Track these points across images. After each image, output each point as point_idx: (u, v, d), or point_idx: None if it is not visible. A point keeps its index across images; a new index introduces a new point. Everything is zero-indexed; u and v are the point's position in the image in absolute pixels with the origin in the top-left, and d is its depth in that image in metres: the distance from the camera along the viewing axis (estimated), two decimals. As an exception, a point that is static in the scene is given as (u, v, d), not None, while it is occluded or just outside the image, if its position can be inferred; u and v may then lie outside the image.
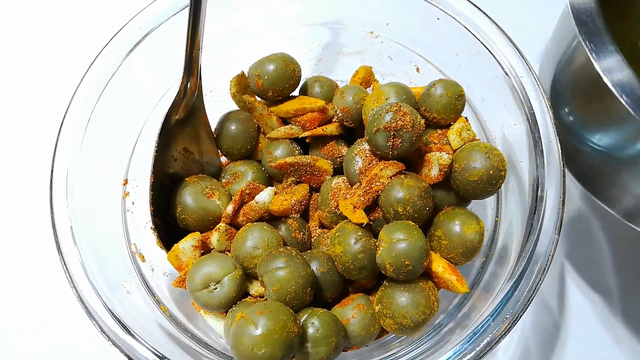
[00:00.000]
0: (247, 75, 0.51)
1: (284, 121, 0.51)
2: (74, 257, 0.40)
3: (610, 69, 0.35)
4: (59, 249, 0.40)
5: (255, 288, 0.43)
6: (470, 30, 0.47)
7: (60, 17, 0.71)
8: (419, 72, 0.53)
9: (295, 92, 0.52)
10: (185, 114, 0.47)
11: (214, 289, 0.41)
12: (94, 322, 0.39)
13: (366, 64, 0.53)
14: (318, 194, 0.47)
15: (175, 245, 0.44)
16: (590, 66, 0.36)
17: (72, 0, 0.71)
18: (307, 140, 0.50)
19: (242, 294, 0.42)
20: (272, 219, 0.47)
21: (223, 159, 0.52)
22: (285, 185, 0.48)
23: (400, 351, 0.42)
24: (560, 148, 0.41)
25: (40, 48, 0.69)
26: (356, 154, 0.44)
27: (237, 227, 0.46)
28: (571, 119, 0.43)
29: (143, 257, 0.46)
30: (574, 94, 0.43)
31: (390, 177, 0.42)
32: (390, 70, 0.55)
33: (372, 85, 0.53)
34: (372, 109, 0.45)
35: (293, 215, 0.46)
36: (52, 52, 0.68)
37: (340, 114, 0.48)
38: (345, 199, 0.43)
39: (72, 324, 0.54)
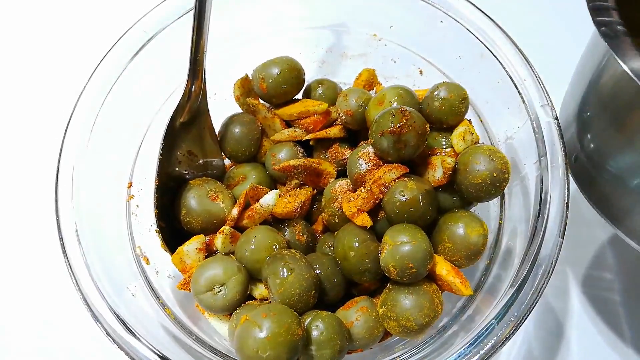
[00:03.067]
0: (251, 78, 0.51)
1: (288, 124, 0.51)
2: (79, 259, 0.41)
3: None
4: (64, 251, 0.41)
5: (259, 291, 0.43)
6: (473, 33, 0.47)
7: (67, 20, 0.71)
8: (423, 75, 0.53)
9: (299, 95, 0.52)
10: (189, 117, 0.47)
11: (218, 292, 0.41)
12: (98, 324, 0.39)
13: (369, 66, 0.53)
14: (322, 196, 0.47)
15: (180, 247, 0.44)
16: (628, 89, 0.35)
17: (78, 4, 0.72)
18: (310, 143, 0.50)
19: (246, 296, 0.43)
20: (275, 221, 0.47)
21: (227, 162, 0.52)
22: (289, 188, 0.48)
23: (404, 354, 0.42)
24: (564, 151, 0.41)
25: (46, 51, 0.69)
26: (360, 157, 0.44)
27: (241, 229, 0.46)
28: (595, 146, 0.42)
29: (147, 259, 0.46)
30: (603, 119, 0.42)
31: (394, 180, 0.42)
32: (394, 73, 0.55)
33: (375, 88, 0.54)
34: (376, 112, 0.45)
35: (297, 218, 0.46)
36: (58, 56, 0.69)
37: (343, 117, 0.48)
38: (349, 201, 0.43)
39: (77, 326, 0.55)
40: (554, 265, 0.38)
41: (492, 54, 0.46)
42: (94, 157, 0.45)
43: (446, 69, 0.52)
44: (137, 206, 0.48)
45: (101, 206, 0.45)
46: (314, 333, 0.39)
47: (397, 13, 0.52)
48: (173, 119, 0.46)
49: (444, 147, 0.46)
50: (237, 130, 0.50)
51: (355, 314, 0.41)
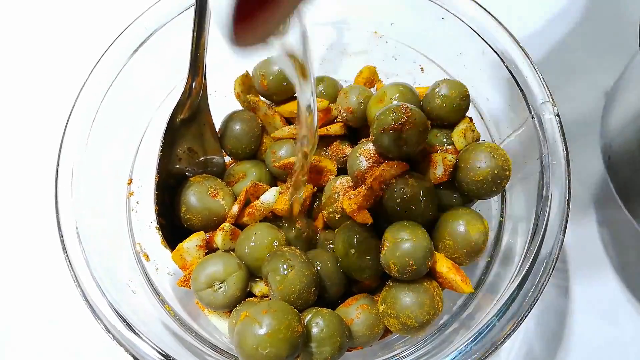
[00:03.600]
0: (251, 75, 0.51)
1: (288, 121, 0.51)
2: (79, 256, 0.40)
3: None
4: (64, 248, 0.41)
5: (259, 288, 0.43)
6: (474, 30, 0.47)
7: (67, 15, 0.71)
8: (423, 72, 0.53)
9: (300, 92, 0.52)
10: (190, 114, 0.47)
11: (218, 289, 0.41)
12: (99, 320, 0.39)
13: (370, 64, 0.53)
14: (322, 193, 0.47)
15: (180, 244, 0.44)
16: None
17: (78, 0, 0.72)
18: (311, 140, 0.50)
19: (246, 293, 0.43)
20: (276, 218, 0.47)
21: (227, 159, 0.52)
22: (289, 185, 0.48)
23: (404, 351, 0.42)
24: (565, 148, 0.41)
25: (46, 47, 0.69)
26: (360, 154, 0.44)
27: (241, 226, 0.46)
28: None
29: (148, 256, 0.46)
30: None
31: (395, 177, 0.42)
32: (395, 70, 0.54)
33: (376, 86, 0.53)
34: (376, 109, 0.45)
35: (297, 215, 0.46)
36: (58, 51, 0.69)
37: (344, 114, 0.48)
38: (350, 198, 0.43)
39: (78, 323, 0.55)
40: (555, 263, 0.38)
41: (494, 51, 0.46)
42: (93, 154, 0.45)
43: (447, 66, 0.51)
44: (137, 203, 0.47)
45: (101, 203, 0.45)
46: (314, 330, 0.38)
47: (398, 10, 0.52)
48: (173, 115, 0.46)
49: (445, 144, 0.46)
50: (237, 127, 0.50)
51: (356, 311, 0.41)
